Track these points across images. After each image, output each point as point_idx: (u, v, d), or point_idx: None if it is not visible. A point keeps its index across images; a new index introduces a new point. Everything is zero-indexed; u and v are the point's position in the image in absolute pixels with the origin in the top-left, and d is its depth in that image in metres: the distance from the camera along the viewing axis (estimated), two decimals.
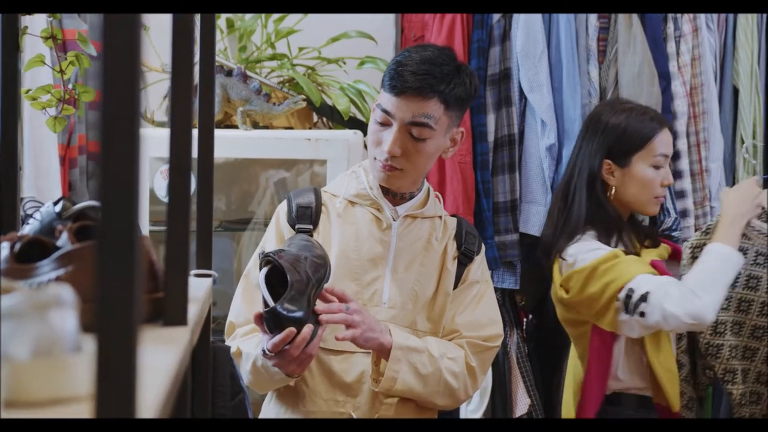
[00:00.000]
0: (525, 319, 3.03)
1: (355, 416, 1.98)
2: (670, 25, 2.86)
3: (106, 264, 0.53)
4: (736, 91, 2.91)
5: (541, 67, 2.83)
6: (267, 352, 1.82)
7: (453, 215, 2.17)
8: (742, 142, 2.86)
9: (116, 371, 0.53)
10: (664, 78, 2.83)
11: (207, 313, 1.37)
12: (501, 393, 2.90)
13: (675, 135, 2.73)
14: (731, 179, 2.90)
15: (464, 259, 2.09)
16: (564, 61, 2.83)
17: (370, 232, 2.03)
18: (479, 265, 2.12)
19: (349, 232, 2.03)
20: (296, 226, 2.03)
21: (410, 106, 1.93)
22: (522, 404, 2.92)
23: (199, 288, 1.27)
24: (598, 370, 2.38)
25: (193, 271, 1.40)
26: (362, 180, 2.05)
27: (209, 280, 1.39)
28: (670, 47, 2.86)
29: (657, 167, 2.41)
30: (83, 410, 0.65)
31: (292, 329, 1.77)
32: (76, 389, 0.72)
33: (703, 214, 2.85)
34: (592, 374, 2.39)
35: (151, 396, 0.65)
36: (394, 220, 2.04)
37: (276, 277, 1.83)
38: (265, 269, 1.84)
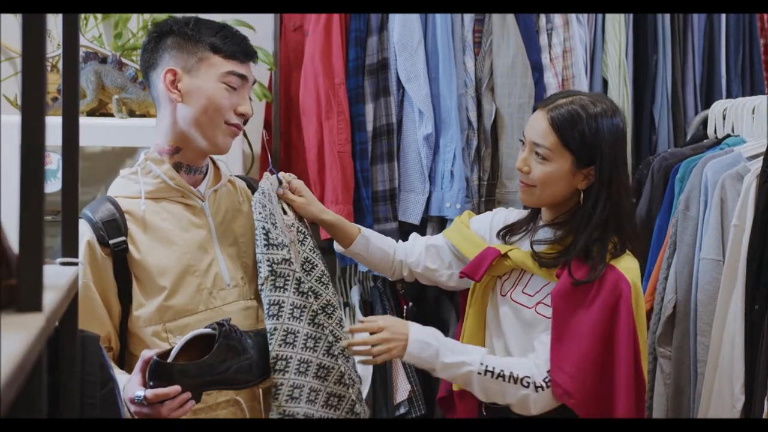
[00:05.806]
0: (405, 307, 3.07)
1: (239, 398, 1.99)
2: (542, 18, 2.93)
3: None
4: (605, 83, 3.00)
5: (417, 58, 2.86)
6: (141, 399, 1.75)
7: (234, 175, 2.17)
8: None
9: None
10: (537, 69, 2.90)
11: (72, 301, 1.35)
12: (381, 380, 2.93)
13: None
14: None
15: None
16: (440, 52, 2.87)
17: (188, 220, 2.00)
18: None
19: (167, 228, 1.97)
20: (111, 242, 1.90)
21: (252, 67, 2.03)
22: (402, 390, 2.96)
23: (63, 276, 1.25)
24: None
25: (59, 260, 1.38)
26: (158, 174, 1.98)
27: (75, 269, 1.37)
28: (543, 39, 2.93)
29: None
30: None
31: (178, 387, 1.76)
32: None
33: None
34: None
35: None
36: (203, 201, 2.03)
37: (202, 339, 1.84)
38: (205, 330, 1.84)
